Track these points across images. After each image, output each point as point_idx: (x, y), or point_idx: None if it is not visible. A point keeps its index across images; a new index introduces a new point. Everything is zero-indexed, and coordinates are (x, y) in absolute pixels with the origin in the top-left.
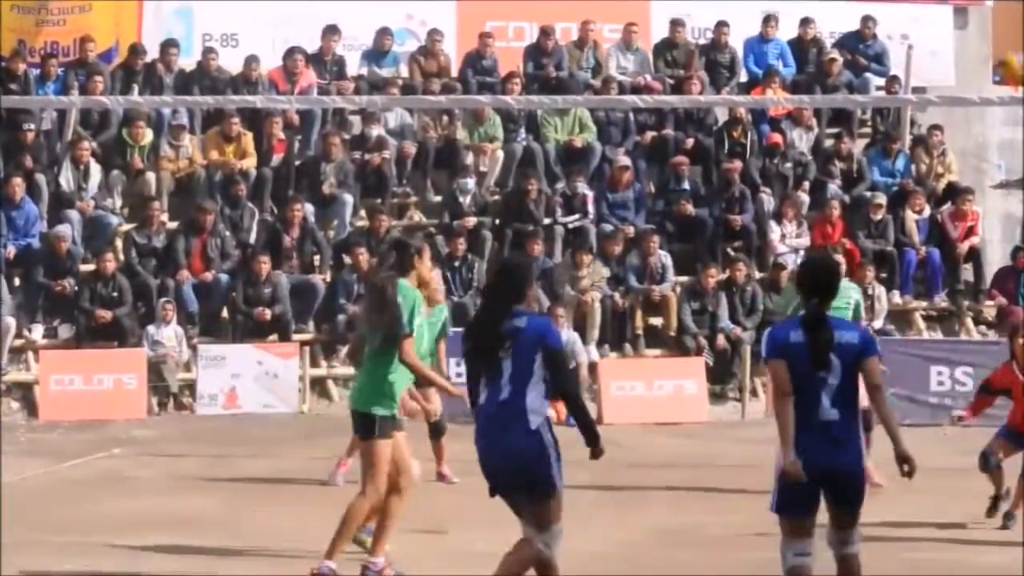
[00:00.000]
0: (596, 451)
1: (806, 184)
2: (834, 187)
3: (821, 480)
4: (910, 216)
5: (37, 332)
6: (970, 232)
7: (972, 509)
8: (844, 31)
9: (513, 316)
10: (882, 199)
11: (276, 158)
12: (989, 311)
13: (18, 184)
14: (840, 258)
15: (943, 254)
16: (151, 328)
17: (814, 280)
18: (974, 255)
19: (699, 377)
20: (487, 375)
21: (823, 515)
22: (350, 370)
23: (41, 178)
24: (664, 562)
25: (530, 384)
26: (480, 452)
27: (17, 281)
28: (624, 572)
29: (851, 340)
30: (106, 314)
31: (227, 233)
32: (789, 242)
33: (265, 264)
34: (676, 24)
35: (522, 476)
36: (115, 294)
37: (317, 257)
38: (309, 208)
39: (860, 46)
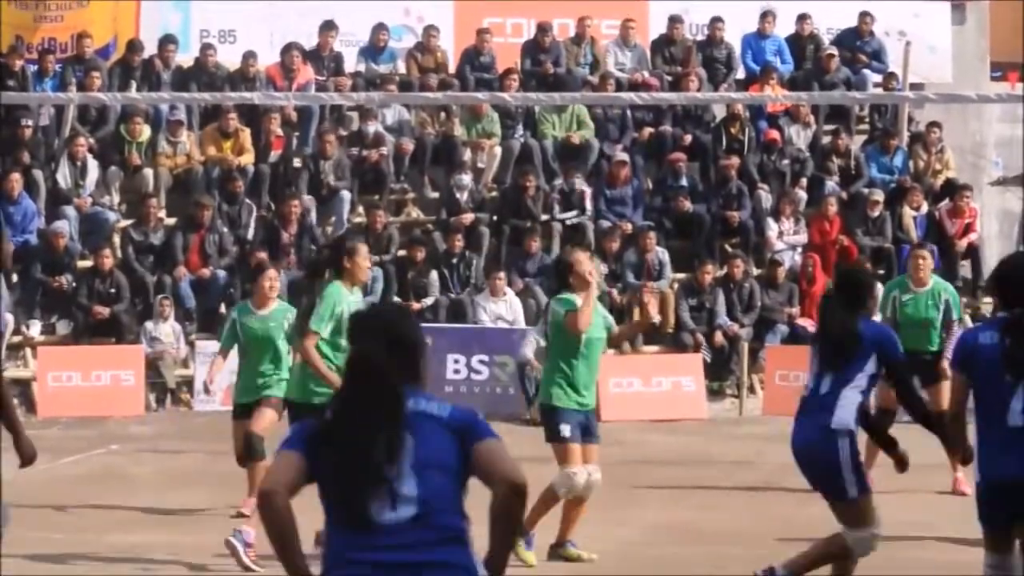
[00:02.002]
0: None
1: (804, 181)
2: (832, 184)
3: (1010, 492)
4: (908, 213)
5: (35, 328)
6: (968, 229)
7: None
8: (842, 27)
9: (861, 322)
10: (880, 196)
11: (274, 154)
12: (987, 307)
13: (16, 180)
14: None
15: (941, 251)
16: (149, 324)
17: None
18: (972, 252)
19: (697, 374)
20: (820, 367)
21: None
22: None
23: (39, 174)
24: (662, 559)
25: (849, 386)
26: (791, 438)
27: (15, 277)
28: (622, 569)
29: None
30: (104, 310)
31: (225, 229)
32: (786, 239)
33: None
34: (674, 20)
35: (811, 470)
36: (113, 290)
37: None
38: (308, 199)
39: (858, 42)
